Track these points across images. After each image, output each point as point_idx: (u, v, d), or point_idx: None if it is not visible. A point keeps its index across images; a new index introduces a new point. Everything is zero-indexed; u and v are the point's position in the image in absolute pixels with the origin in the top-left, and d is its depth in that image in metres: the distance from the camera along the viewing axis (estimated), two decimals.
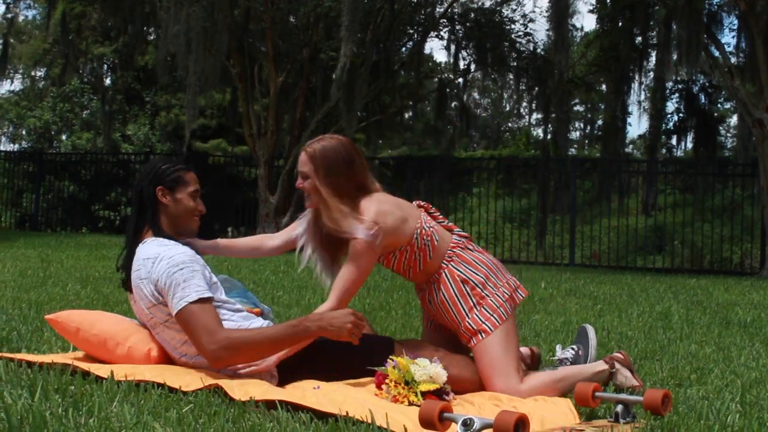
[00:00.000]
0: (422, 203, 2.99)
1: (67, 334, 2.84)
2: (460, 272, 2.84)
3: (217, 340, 2.54)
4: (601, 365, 2.89)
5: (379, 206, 2.78)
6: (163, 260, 2.65)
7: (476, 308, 2.81)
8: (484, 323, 2.79)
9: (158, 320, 2.72)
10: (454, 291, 2.83)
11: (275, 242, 3.13)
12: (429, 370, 2.45)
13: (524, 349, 3.15)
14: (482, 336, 2.78)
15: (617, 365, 2.88)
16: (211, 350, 2.54)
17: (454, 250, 2.87)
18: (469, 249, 2.90)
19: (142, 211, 2.83)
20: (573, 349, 3.18)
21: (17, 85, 31.30)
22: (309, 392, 2.40)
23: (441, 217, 3.00)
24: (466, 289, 2.83)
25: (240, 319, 2.74)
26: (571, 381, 2.81)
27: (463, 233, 2.96)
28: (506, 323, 2.80)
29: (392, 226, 2.77)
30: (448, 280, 2.84)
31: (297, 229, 3.04)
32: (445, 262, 2.86)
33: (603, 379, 2.87)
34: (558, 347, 3.34)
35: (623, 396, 2.41)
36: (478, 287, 2.83)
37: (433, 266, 2.86)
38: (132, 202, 2.91)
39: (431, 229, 2.85)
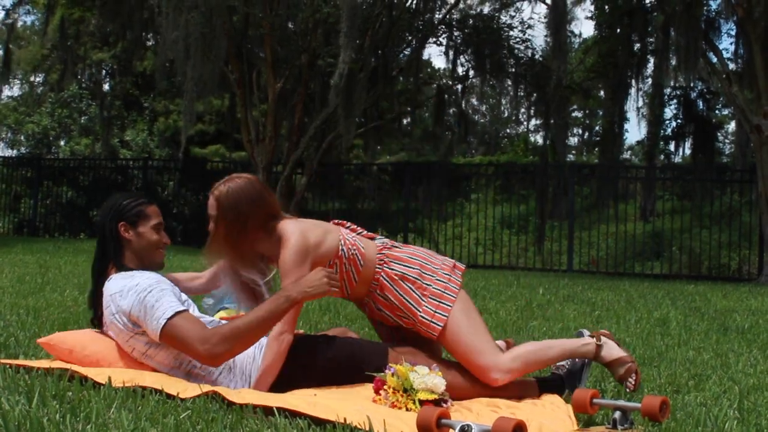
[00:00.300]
0: (337, 221, 3.01)
1: (60, 355, 2.85)
2: (396, 271, 2.87)
3: (208, 340, 2.55)
4: (587, 339, 2.89)
5: (299, 225, 2.81)
6: (130, 291, 2.67)
7: (423, 300, 2.83)
8: (436, 313, 2.82)
9: (139, 352, 2.73)
10: (396, 291, 2.85)
11: (198, 283, 3.11)
12: (427, 380, 2.45)
13: (500, 342, 3.16)
14: (439, 325, 2.80)
15: (603, 338, 2.87)
16: (206, 350, 2.54)
17: (383, 252, 2.91)
18: (396, 247, 2.95)
19: (105, 248, 2.84)
20: None
21: (16, 90, 31.29)
22: (306, 399, 2.40)
23: (359, 228, 3.03)
24: (407, 285, 2.85)
25: None
26: (555, 351, 2.83)
27: (384, 238, 3.01)
28: (458, 303, 2.83)
29: (316, 242, 2.78)
30: (387, 281, 2.86)
31: (220, 281, 3.04)
32: (378, 266, 2.88)
33: (590, 353, 2.85)
34: None
35: (621, 402, 2.41)
36: (418, 280, 2.86)
37: (368, 274, 2.87)
38: (96, 239, 2.90)
39: (354, 239, 2.89)
